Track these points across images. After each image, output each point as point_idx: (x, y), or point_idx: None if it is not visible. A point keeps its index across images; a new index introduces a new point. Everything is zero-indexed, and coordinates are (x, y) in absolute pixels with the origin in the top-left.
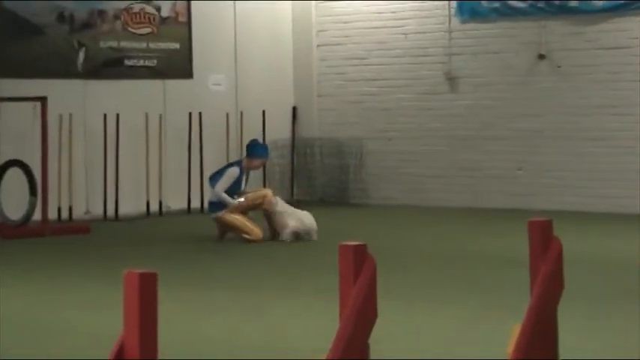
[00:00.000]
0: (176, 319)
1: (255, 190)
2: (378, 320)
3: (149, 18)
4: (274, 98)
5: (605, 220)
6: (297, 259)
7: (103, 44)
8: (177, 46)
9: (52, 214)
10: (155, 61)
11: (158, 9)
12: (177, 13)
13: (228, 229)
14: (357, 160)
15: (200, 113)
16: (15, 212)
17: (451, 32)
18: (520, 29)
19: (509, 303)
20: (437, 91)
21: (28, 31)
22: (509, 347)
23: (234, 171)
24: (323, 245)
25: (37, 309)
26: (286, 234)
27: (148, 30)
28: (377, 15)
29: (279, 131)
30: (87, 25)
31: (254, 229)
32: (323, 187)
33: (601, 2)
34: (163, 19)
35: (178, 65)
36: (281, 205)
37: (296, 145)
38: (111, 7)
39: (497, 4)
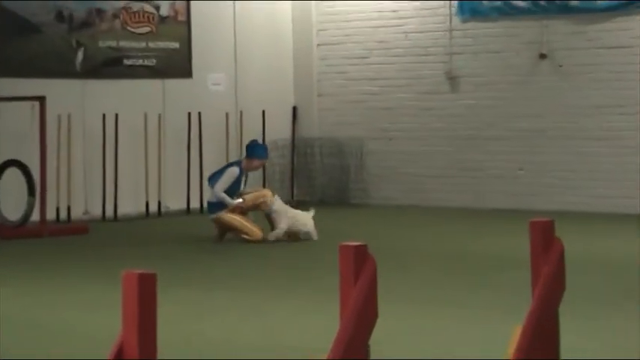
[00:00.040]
0: (175, 320)
1: (254, 190)
2: (379, 321)
3: (148, 17)
4: (274, 98)
5: (607, 221)
6: (297, 259)
7: (101, 43)
8: (176, 45)
9: (51, 215)
10: (154, 61)
11: (157, 8)
12: (176, 12)
13: (227, 230)
14: (358, 160)
15: (199, 113)
16: (13, 213)
17: (452, 31)
18: (521, 28)
19: (510, 304)
20: (438, 90)
21: (27, 30)
22: (511, 348)
23: (234, 171)
24: (323, 245)
25: (35, 310)
26: (272, 235)
27: (147, 29)
28: (378, 14)
29: (279, 131)
30: (86, 24)
31: (253, 229)
32: (323, 187)
33: (603, 1)
34: (162, 19)
35: (178, 65)
36: (278, 205)
37: (296, 145)
38: (110, 6)
39: (498, 3)
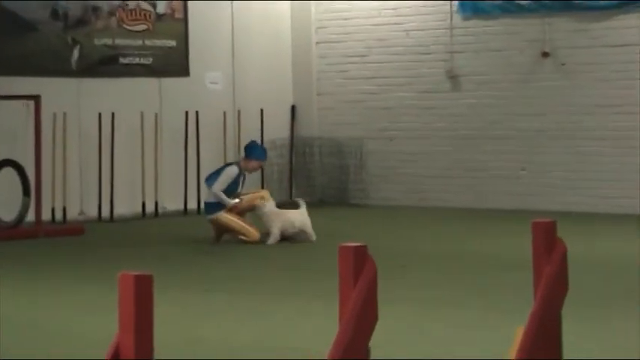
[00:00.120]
0: (172, 321)
1: (252, 191)
2: (379, 323)
3: (145, 15)
4: (273, 97)
5: (610, 221)
6: (295, 260)
7: (97, 41)
8: (173, 43)
9: (46, 215)
10: (151, 59)
11: (154, 5)
12: (173, 10)
13: (224, 231)
14: (357, 160)
15: (197, 112)
16: (8, 213)
17: (453, 29)
18: (523, 26)
19: (512, 305)
20: (438, 89)
21: (22, 27)
22: (512, 350)
23: (232, 170)
24: (322, 246)
25: (30, 311)
26: (268, 242)
27: (144, 27)
28: (377, 12)
29: (277, 130)
30: (81, 22)
31: (251, 230)
32: (322, 187)
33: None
34: (159, 16)
35: (174, 63)
36: (268, 208)
37: (295, 145)
38: (106, 4)
39: (500, 1)
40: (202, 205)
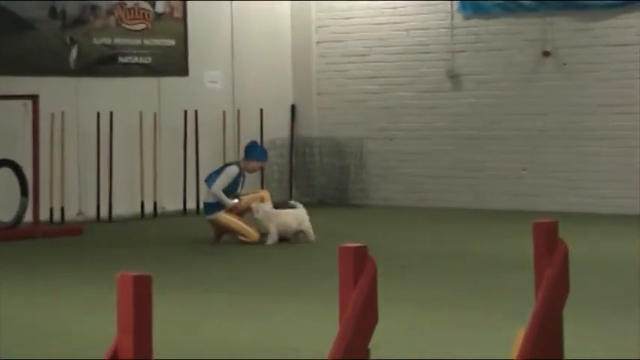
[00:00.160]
0: (171, 322)
1: (252, 191)
2: (379, 324)
3: (143, 14)
4: (272, 96)
5: (611, 222)
6: (295, 261)
7: (96, 41)
8: (172, 42)
9: (44, 216)
10: (150, 58)
11: (153, 5)
12: (172, 9)
13: (224, 231)
14: (358, 160)
15: (196, 111)
16: (5, 214)
17: (454, 29)
18: (525, 25)
19: (512, 306)
20: (439, 89)
21: (19, 26)
22: (513, 352)
23: (232, 170)
24: (322, 247)
25: (29, 311)
26: (267, 243)
27: (143, 26)
28: (378, 11)
29: (277, 130)
30: (79, 21)
31: (250, 231)
32: (322, 187)
33: None
34: (158, 15)
35: (174, 62)
36: (262, 213)
37: (295, 145)
38: (104, 3)
39: (500, 0)
40: (201, 206)
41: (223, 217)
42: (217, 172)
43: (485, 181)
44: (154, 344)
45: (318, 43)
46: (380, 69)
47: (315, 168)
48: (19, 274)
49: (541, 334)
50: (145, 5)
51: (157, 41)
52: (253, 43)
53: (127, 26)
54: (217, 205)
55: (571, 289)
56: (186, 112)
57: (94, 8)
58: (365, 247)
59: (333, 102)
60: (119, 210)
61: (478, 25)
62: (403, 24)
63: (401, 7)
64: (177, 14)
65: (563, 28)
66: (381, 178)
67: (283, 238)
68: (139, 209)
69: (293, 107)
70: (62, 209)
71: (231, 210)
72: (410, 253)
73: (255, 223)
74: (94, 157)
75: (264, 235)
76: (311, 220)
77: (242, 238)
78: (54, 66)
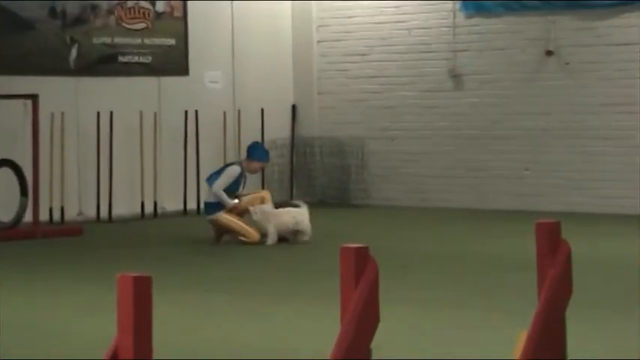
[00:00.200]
0: (171, 322)
1: (253, 192)
2: (380, 324)
3: (144, 13)
4: (273, 96)
5: (613, 222)
6: (296, 261)
7: (96, 40)
8: (172, 41)
9: (44, 216)
10: (150, 58)
11: (153, 4)
12: (172, 8)
13: (224, 231)
14: (359, 160)
15: (196, 111)
16: (5, 214)
17: (456, 28)
18: (527, 25)
19: (515, 306)
20: (441, 88)
21: (19, 26)
22: (515, 353)
23: (234, 170)
24: (323, 247)
25: (29, 311)
26: (267, 243)
27: (143, 25)
28: (379, 10)
29: (278, 130)
30: (79, 21)
31: (251, 231)
32: (323, 187)
33: None
34: (158, 14)
35: (174, 62)
36: (259, 215)
37: (295, 145)
38: (104, 2)
39: None
40: (202, 206)
41: (224, 217)
42: (219, 172)
43: (488, 180)
44: (154, 344)
45: (318, 42)
46: (381, 68)
47: (316, 168)
48: (19, 274)
49: (544, 334)
50: (145, 4)
51: (158, 41)
52: (254, 43)
53: (127, 26)
54: (218, 205)
55: (575, 290)
56: (186, 111)
57: (94, 8)
58: (366, 248)
59: (334, 102)
60: (119, 210)
61: (480, 24)
62: (405, 23)
63: (402, 6)
64: (178, 13)
65: (565, 27)
66: (382, 178)
67: (283, 238)
68: (139, 209)
69: (294, 107)
70: (62, 209)
71: (232, 210)
72: (411, 253)
73: (255, 224)
74: (94, 157)
75: (264, 235)
76: (311, 220)
77: (242, 238)
78: (54, 66)
